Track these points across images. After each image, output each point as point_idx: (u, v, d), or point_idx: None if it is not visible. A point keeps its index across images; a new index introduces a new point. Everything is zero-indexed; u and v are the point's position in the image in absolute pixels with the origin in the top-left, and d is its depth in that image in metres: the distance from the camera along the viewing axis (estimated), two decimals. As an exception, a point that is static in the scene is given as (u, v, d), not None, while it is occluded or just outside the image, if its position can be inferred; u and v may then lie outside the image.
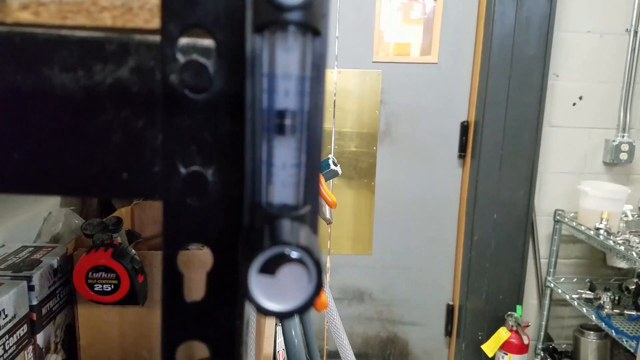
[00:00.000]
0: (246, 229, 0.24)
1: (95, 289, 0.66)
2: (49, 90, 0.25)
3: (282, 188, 0.23)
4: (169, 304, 0.24)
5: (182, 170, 0.25)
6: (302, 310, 0.22)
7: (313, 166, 0.24)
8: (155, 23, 0.26)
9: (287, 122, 0.23)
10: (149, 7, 0.26)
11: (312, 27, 0.22)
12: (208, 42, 0.25)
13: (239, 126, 0.25)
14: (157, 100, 0.26)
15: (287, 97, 0.22)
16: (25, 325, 0.60)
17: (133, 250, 0.71)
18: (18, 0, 0.24)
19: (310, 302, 0.22)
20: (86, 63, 0.24)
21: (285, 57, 0.22)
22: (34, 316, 0.62)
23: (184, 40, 0.24)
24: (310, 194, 0.24)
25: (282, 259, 0.22)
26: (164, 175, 0.25)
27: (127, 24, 0.25)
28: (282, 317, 0.22)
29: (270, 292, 0.22)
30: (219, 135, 0.25)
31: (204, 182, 0.25)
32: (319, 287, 0.22)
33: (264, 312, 0.22)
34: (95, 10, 0.25)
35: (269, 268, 0.22)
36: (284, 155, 0.23)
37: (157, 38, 0.25)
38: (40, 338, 0.63)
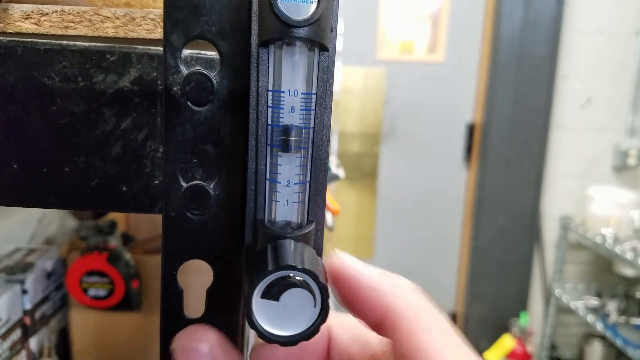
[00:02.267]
0: (248, 248, 0.23)
1: (90, 293, 0.65)
2: (49, 101, 0.24)
3: (285, 206, 0.23)
4: (168, 321, 0.24)
5: (183, 183, 0.24)
6: (307, 336, 0.22)
7: (318, 183, 0.23)
8: (158, 33, 0.25)
9: (292, 138, 0.22)
10: (152, 17, 0.25)
11: (320, 43, 0.22)
12: (212, 54, 0.24)
13: (242, 139, 0.24)
14: (159, 111, 0.25)
15: (292, 113, 0.22)
16: (19, 330, 0.60)
17: (128, 254, 0.70)
18: (20, 10, 0.24)
19: (317, 328, 0.22)
20: (87, 73, 0.24)
21: (291, 72, 0.22)
22: (28, 320, 0.61)
23: (187, 52, 0.24)
24: (316, 211, 0.23)
25: (286, 284, 0.21)
26: (165, 188, 0.24)
27: (129, 34, 0.25)
28: (286, 343, 0.22)
29: (274, 317, 0.21)
30: (221, 148, 0.24)
31: (206, 196, 0.24)
32: (325, 312, 0.22)
33: (267, 339, 0.21)
34: (98, 20, 0.24)
35: (272, 293, 0.21)
36: (289, 172, 0.22)
37: (159, 49, 0.24)
38: (33, 343, 0.62)
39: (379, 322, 0.22)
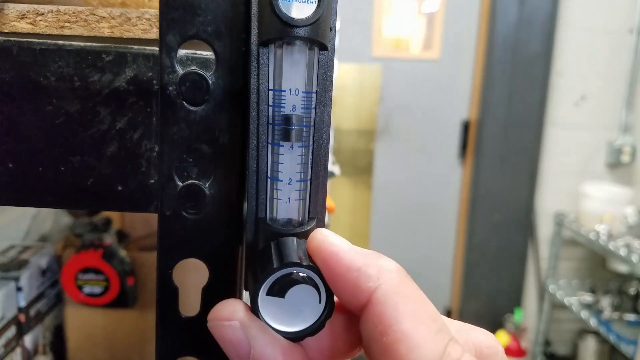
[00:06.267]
0: (248, 247, 0.23)
1: (85, 290, 0.65)
2: (45, 100, 0.24)
3: (287, 203, 0.23)
4: (163, 319, 0.24)
5: (179, 182, 0.24)
6: (313, 332, 0.22)
7: (319, 180, 0.23)
8: (154, 33, 0.26)
9: (293, 136, 0.22)
10: (147, 17, 0.25)
11: (320, 43, 0.22)
12: (207, 54, 0.24)
13: (237, 138, 0.24)
14: (154, 111, 0.25)
15: (293, 111, 0.22)
16: (14, 327, 0.59)
17: (123, 251, 0.70)
18: (16, 10, 0.24)
19: (322, 323, 0.22)
20: (83, 73, 0.24)
21: (292, 71, 0.22)
22: (22, 318, 0.61)
23: (182, 52, 0.24)
24: (316, 208, 0.24)
25: (291, 281, 0.21)
26: (160, 187, 0.25)
27: (125, 34, 0.25)
28: (293, 339, 0.22)
29: (280, 313, 0.22)
30: (217, 147, 0.25)
31: (201, 195, 0.25)
32: (330, 307, 0.22)
33: None
34: (93, 20, 0.24)
35: (277, 290, 0.21)
36: (290, 170, 0.23)
37: (155, 49, 0.24)
38: (28, 340, 0.62)
39: (361, 306, 0.21)
